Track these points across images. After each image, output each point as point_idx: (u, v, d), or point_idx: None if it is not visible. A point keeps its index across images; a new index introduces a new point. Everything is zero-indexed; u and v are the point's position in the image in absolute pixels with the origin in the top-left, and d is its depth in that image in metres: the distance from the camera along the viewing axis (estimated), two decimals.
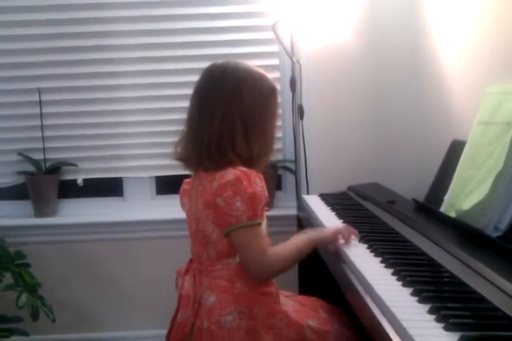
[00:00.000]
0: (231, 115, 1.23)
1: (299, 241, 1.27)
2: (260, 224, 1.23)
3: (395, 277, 0.99)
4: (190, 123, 1.29)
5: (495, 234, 1.10)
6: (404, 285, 0.95)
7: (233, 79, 1.25)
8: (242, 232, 1.20)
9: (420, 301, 0.87)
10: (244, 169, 1.21)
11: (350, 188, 1.89)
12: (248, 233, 1.20)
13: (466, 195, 1.20)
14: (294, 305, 1.33)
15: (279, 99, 1.34)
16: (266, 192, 1.23)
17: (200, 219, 1.26)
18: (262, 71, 1.30)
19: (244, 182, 1.18)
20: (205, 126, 1.24)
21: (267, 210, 1.30)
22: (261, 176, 1.23)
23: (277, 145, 2.15)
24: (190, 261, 1.35)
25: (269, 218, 1.71)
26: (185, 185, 1.39)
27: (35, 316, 1.68)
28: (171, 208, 1.80)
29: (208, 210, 1.23)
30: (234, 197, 1.18)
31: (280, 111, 2.13)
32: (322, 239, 1.28)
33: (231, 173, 1.19)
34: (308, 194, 2.04)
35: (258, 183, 1.21)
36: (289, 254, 1.24)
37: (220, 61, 1.30)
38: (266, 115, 1.28)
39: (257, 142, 1.25)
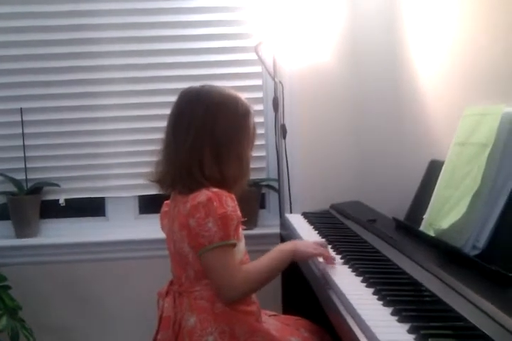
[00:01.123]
0: (201, 139, 1.24)
1: (275, 254, 1.27)
2: (233, 244, 1.22)
3: (376, 296, 1.00)
4: (165, 146, 1.30)
5: (473, 253, 1.12)
6: (384, 304, 0.96)
7: (206, 102, 1.27)
8: (214, 253, 1.20)
9: (400, 320, 0.88)
10: (215, 190, 1.21)
11: (332, 207, 1.90)
12: (220, 253, 1.20)
13: (445, 214, 1.23)
14: (276, 324, 1.33)
15: (254, 121, 1.33)
16: (238, 212, 1.23)
17: (177, 241, 1.26)
18: (236, 93, 1.32)
19: (215, 203, 1.19)
20: (177, 149, 1.26)
21: (246, 229, 1.31)
22: (232, 196, 1.24)
23: (260, 164, 2.17)
24: (171, 282, 1.35)
25: (253, 236, 1.74)
26: (164, 207, 1.39)
27: (14, 339, 1.66)
28: (154, 227, 1.77)
29: (182, 232, 1.24)
30: (206, 218, 1.18)
31: (263, 131, 2.15)
32: (301, 253, 1.27)
33: (203, 194, 1.20)
34: (291, 212, 2.05)
35: (229, 204, 1.21)
36: (263, 271, 1.24)
37: (195, 85, 1.32)
38: (241, 137, 1.28)
39: (230, 165, 1.26)
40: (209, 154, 1.24)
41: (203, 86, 1.31)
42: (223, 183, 1.25)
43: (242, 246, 1.29)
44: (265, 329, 1.26)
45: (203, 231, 1.19)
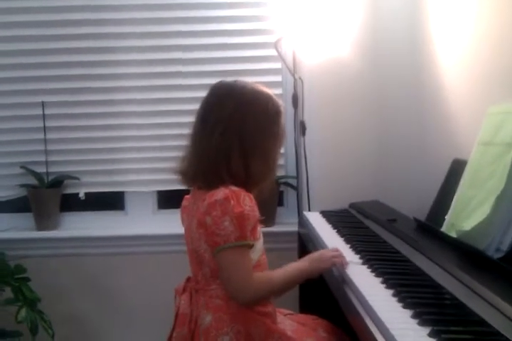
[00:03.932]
0: (230, 134, 1.22)
1: (291, 269, 1.24)
2: (249, 245, 1.20)
3: (396, 298, 0.98)
4: (192, 139, 1.29)
5: (496, 256, 1.09)
6: (404, 306, 0.94)
7: (238, 98, 1.25)
8: (229, 253, 1.18)
9: (421, 324, 0.86)
10: (234, 188, 1.20)
11: (351, 205, 1.89)
12: (235, 254, 1.18)
13: (467, 215, 1.20)
14: (292, 324, 1.32)
15: (283, 121, 1.32)
16: (256, 212, 1.21)
17: (194, 239, 1.25)
18: (269, 92, 1.29)
19: (233, 202, 1.17)
20: (204, 142, 1.25)
21: (265, 227, 1.30)
22: (251, 196, 1.22)
23: (279, 161, 2.16)
24: (188, 279, 1.34)
25: (271, 234, 1.72)
26: (185, 202, 1.39)
27: (34, 331, 1.68)
28: (172, 223, 1.79)
29: (200, 229, 1.23)
30: (222, 217, 1.17)
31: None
32: (317, 269, 1.25)
33: (221, 192, 1.19)
34: (309, 210, 2.04)
35: (247, 203, 1.19)
36: (276, 282, 1.22)
37: (228, 79, 1.30)
38: (269, 138, 1.26)
39: (257, 165, 1.24)
40: (236, 151, 1.22)
41: (235, 81, 1.29)
42: (247, 181, 1.24)
43: (259, 245, 1.27)
44: (281, 330, 1.25)
45: (218, 229, 1.17)
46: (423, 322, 0.86)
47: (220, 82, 1.30)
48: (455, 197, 1.30)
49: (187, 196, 1.38)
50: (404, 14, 1.97)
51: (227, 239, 1.17)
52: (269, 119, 1.26)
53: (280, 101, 1.31)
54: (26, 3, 2.10)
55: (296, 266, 1.26)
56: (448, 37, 1.70)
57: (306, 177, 2.07)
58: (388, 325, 0.86)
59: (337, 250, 1.27)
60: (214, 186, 1.21)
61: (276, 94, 2.05)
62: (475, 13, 1.51)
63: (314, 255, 1.29)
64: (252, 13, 2.10)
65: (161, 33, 2.12)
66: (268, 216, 2.00)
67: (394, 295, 1.00)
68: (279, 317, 1.32)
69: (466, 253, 1.14)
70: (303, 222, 1.83)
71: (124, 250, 2.14)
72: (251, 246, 1.21)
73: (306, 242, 1.73)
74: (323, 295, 1.37)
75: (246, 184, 1.23)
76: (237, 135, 1.22)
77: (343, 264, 1.20)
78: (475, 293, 0.96)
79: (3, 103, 2.14)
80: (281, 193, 2.21)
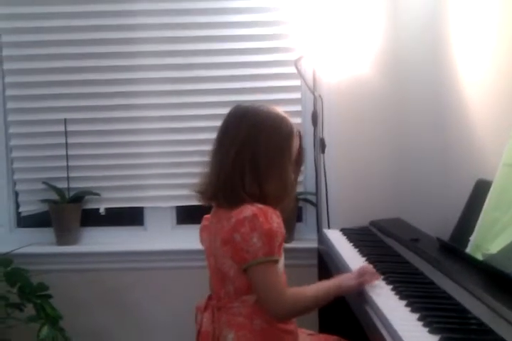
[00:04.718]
0: (244, 155, 1.26)
1: (321, 286, 1.26)
2: (277, 261, 1.22)
3: (421, 323, 0.97)
4: (211, 158, 1.32)
5: None
6: (430, 331, 0.93)
7: (252, 119, 1.29)
8: (258, 269, 1.20)
9: None
10: (260, 206, 1.22)
11: (372, 223, 1.87)
12: (265, 270, 1.20)
13: (493, 237, 1.19)
14: None
15: (299, 142, 1.34)
16: (283, 229, 1.23)
17: (218, 256, 1.27)
18: (283, 114, 1.33)
19: (261, 219, 1.19)
20: (220, 162, 1.28)
21: (286, 242, 1.30)
22: (278, 213, 1.24)
23: (298, 178, 2.16)
24: (209, 297, 1.35)
25: (289, 250, 1.71)
26: (204, 221, 1.40)
27: None
28: (191, 238, 1.79)
29: (225, 247, 1.24)
30: (251, 233, 1.19)
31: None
32: (347, 288, 1.24)
33: (248, 210, 1.21)
34: (329, 227, 2.03)
35: (275, 220, 1.21)
36: (310, 296, 1.23)
37: (246, 103, 1.34)
38: (282, 158, 1.28)
39: (270, 184, 1.26)
40: (249, 171, 1.26)
41: (252, 104, 1.33)
42: (264, 200, 1.25)
43: (281, 263, 1.28)
44: None
45: (247, 246, 1.19)
46: None
47: (237, 105, 1.35)
48: (480, 218, 1.29)
49: (207, 216, 1.40)
50: (425, 31, 1.96)
51: (256, 255, 1.19)
52: (281, 141, 1.29)
53: (293, 123, 1.33)
54: (49, 23, 2.14)
55: (327, 284, 1.26)
56: (470, 53, 1.69)
57: (325, 194, 2.06)
58: None
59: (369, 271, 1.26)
60: (234, 204, 1.23)
61: (295, 111, 2.12)
62: (497, 29, 1.51)
63: (348, 275, 1.28)
64: (272, 31, 2.12)
65: (181, 51, 2.15)
66: (287, 232, 1.99)
67: (419, 319, 0.98)
68: (301, 337, 1.31)
69: (492, 276, 1.13)
70: (323, 240, 1.83)
71: (143, 265, 2.15)
72: (277, 262, 1.23)
73: (326, 260, 1.72)
74: (343, 315, 1.36)
75: (264, 202, 1.25)
76: (250, 155, 1.26)
77: (368, 282, 1.20)
78: (503, 318, 0.94)
79: (27, 120, 2.18)
80: (299, 209, 2.21)
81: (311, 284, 1.26)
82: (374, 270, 1.25)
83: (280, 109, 1.34)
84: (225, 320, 1.26)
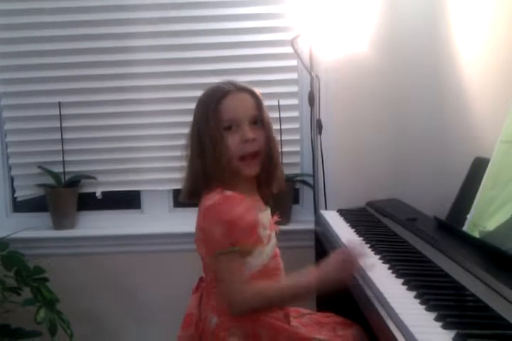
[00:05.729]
0: (189, 138, 1.29)
1: (296, 281, 1.18)
2: (242, 251, 1.17)
3: (418, 300, 0.97)
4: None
5: None
6: (427, 309, 0.93)
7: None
8: (220, 259, 1.17)
9: (445, 327, 0.85)
10: (228, 193, 1.18)
11: (369, 204, 1.86)
12: (227, 261, 1.16)
13: (490, 214, 1.18)
14: (307, 323, 1.31)
15: (229, 104, 1.26)
16: (249, 217, 1.17)
17: (197, 241, 1.26)
18: (220, 82, 1.30)
19: (223, 208, 1.16)
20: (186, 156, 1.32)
21: (282, 224, 1.27)
22: (247, 201, 1.19)
23: (295, 159, 2.15)
24: (201, 279, 1.34)
25: (287, 232, 1.71)
26: None
27: (52, 331, 1.69)
28: (188, 221, 1.78)
29: (199, 233, 1.23)
30: (213, 223, 1.16)
31: (297, 126, 2.13)
32: (327, 282, 1.15)
33: (213, 197, 1.18)
34: (326, 208, 2.02)
35: (239, 208, 1.16)
36: (272, 295, 1.18)
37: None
38: (207, 127, 1.24)
39: (207, 158, 1.22)
40: (192, 152, 1.27)
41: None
42: (213, 177, 1.21)
43: (268, 250, 1.25)
44: (291, 329, 1.24)
45: (210, 235, 1.17)
46: (447, 325, 0.85)
47: None
48: (477, 196, 1.28)
49: None
50: (423, 10, 1.93)
51: (218, 245, 1.16)
52: (203, 105, 1.27)
53: (221, 87, 1.28)
54: (41, 4, 2.10)
55: (302, 285, 1.18)
56: (467, 32, 1.67)
57: (322, 176, 2.05)
58: (412, 329, 0.85)
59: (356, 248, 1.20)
60: (206, 190, 1.22)
61: (291, 92, 2.09)
62: (496, 8, 1.48)
63: (330, 264, 1.17)
64: (268, 10, 2.09)
65: (176, 31, 2.11)
66: (283, 214, 1.98)
67: (416, 297, 0.98)
68: (293, 316, 1.31)
69: (489, 254, 1.12)
70: (320, 221, 1.82)
71: (140, 248, 2.15)
72: (245, 252, 1.19)
73: (323, 241, 1.72)
74: (341, 295, 1.36)
75: (222, 182, 1.21)
76: (190, 136, 1.29)
77: (352, 272, 1.16)
78: (500, 294, 0.94)
79: (20, 103, 2.15)
80: (296, 191, 2.20)
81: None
82: (357, 251, 1.16)
83: (228, 81, 1.30)
84: (212, 303, 1.24)
